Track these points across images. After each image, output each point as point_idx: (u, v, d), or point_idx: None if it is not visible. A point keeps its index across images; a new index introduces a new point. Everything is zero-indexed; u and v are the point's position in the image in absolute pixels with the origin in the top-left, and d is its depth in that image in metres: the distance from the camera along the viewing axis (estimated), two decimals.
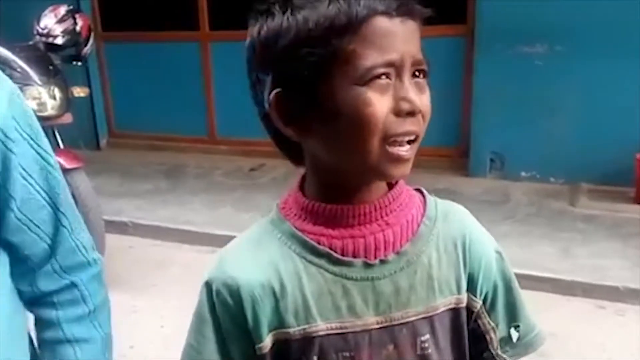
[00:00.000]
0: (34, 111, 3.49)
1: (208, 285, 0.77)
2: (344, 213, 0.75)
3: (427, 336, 0.78)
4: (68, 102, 3.46)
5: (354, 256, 0.75)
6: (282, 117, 0.73)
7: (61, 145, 3.44)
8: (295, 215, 0.78)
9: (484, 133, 4.56)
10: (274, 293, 0.74)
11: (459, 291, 0.79)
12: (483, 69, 4.43)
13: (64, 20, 3.60)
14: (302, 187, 0.80)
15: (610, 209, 3.96)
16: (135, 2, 5.66)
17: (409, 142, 0.72)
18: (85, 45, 3.66)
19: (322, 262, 0.75)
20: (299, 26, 0.69)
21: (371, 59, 0.68)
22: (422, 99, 0.71)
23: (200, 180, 4.93)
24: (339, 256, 0.75)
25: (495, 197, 4.26)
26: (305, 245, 0.75)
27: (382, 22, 0.68)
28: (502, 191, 4.36)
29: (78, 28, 3.61)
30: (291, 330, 0.75)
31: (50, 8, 3.64)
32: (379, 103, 0.68)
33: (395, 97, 0.69)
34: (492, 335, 0.83)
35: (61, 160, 3.22)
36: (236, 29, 5.32)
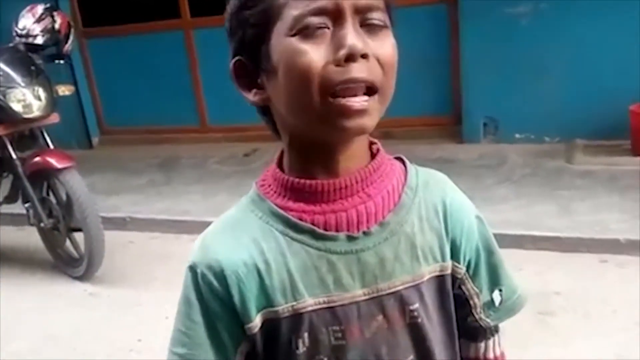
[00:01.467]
0: (20, 113, 3.47)
1: (192, 269, 0.76)
2: (324, 188, 0.74)
3: (417, 305, 0.77)
4: (54, 102, 3.43)
5: (337, 230, 0.74)
6: (242, 84, 0.74)
7: (51, 146, 3.42)
8: (275, 193, 0.77)
9: (476, 98, 4.53)
10: (259, 271, 0.74)
11: (443, 258, 0.79)
12: (469, 34, 4.39)
13: (42, 19, 3.56)
14: (280, 164, 0.78)
15: (606, 162, 3.95)
16: None
17: (365, 94, 0.68)
18: (66, 42, 3.63)
19: (305, 238, 0.74)
20: None
21: (300, 7, 0.66)
22: (374, 45, 0.67)
23: (195, 169, 4.92)
24: (322, 231, 0.74)
25: (491, 161, 4.25)
26: (287, 222, 0.74)
27: None
28: (497, 155, 4.35)
29: (57, 26, 3.57)
30: (279, 308, 0.74)
31: (28, 8, 3.60)
32: (312, 52, 0.66)
33: (333, 45, 0.66)
34: (476, 300, 0.83)
35: (52, 160, 3.21)
36: (218, 14, 5.28)
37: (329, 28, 0.67)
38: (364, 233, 0.75)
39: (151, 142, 5.58)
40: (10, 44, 3.54)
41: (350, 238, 0.74)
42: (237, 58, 0.74)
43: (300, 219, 0.74)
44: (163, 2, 5.43)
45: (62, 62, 3.70)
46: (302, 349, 0.75)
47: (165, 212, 4.12)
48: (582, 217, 3.35)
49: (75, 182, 3.19)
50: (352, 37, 0.66)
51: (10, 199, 3.67)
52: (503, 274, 0.85)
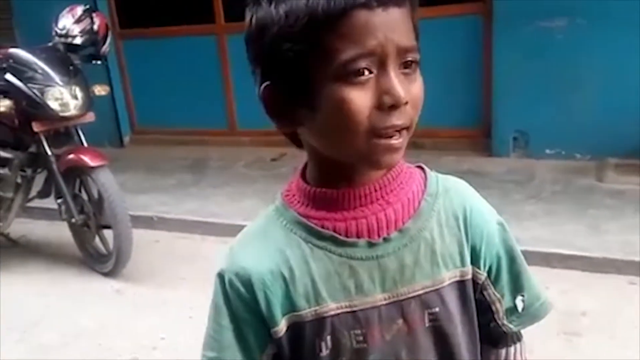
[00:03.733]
0: (57, 111, 3.56)
1: (220, 276, 0.79)
2: (345, 197, 0.76)
3: (437, 309, 0.79)
4: (90, 101, 3.51)
5: (358, 237, 0.76)
6: (271, 110, 0.74)
7: (85, 144, 3.50)
8: (298, 202, 0.79)
9: (506, 112, 4.49)
10: (284, 278, 0.77)
11: (462, 264, 0.80)
12: (502, 47, 4.36)
13: (82, 20, 3.65)
14: (304, 174, 0.81)
15: (638, 182, 3.87)
16: None
17: (398, 131, 0.71)
18: (104, 44, 3.71)
19: (327, 244, 0.77)
20: (281, 21, 0.68)
21: (348, 52, 0.66)
22: (410, 90, 0.70)
23: (223, 172, 4.97)
24: (343, 238, 0.76)
25: (520, 176, 4.20)
26: (310, 230, 0.77)
27: (361, 15, 0.66)
28: (526, 170, 4.30)
29: (95, 27, 3.65)
30: (303, 312, 0.77)
31: (68, 9, 3.69)
32: (359, 100, 0.67)
33: (378, 90, 0.68)
34: (498, 305, 0.84)
35: (86, 158, 3.28)
36: None
37: (372, 72, 0.68)
38: (384, 239, 0.77)
39: (181, 144, 5.66)
40: (50, 43, 3.63)
41: (371, 244, 0.76)
42: (267, 83, 0.73)
43: (322, 227, 0.77)
44: (198, 6, 5.50)
45: (99, 62, 3.78)
46: (325, 352, 0.77)
47: (192, 213, 4.17)
48: (611, 237, 3.29)
49: (107, 181, 3.25)
50: (397, 85, 0.68)
51: (43, 193, 3.75)
52: (526, 280, 0.85)
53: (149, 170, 5.15)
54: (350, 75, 0.67)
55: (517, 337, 0.88)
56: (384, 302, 0.77)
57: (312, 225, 0.77)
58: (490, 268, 0.82)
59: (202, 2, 5.44)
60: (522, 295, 0.84)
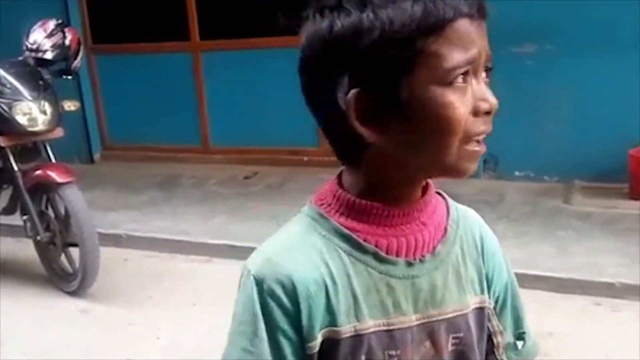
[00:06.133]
0: (25, 126, 3.50)
1: (258, 283, 0.74)
2: (390, 212, 0.76)
3: (462, 333, 0.79)
4: (59, 117, 3.47)
5: (397, 255, 0.76)
6: (360, 117, 0.71)
7: (53, 160, 3.44)
8: (336, 212, 0.77)
9: None
10: (327, 290, 0.74)
11: (482, 291, 0.82)
12: None
13: (53, 35, 3.61)
14: (340, 183, 0.79)
15: (604, 205, 3.97)
16: (125, 14, 5.66)
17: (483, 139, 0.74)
18: (75, 58, 3.67)
19: (368, 259, 0.75)
20: (384, 26, 0.67)
21: (454, 59, 0.68)
22: (493, 97, 0.73)
23: (195, 190, 4.93)
24: (385, 255, 0.76)
25: (490, 197, 4.26)
26: (352, 242, 0.75)
27: (465, 23, 0.69)
28: (496, 191, 4.37)
29: (67, 42, 3.62)
30: (342, 328, 0.74)
31: (39, 23, 3.65)
32: (461, 105, 0.69)
33: (474, 97, 0.71)
34: (499, 338, 0.84)
35: (53, 174, 3.23)
36: (227, 37, 5.37)
37: (468, 78, 0.70)
38: (420, 260, 0.77)
39: (153, 161, 5.60)
40: (20, 57, 3.58)
41: (409, 264, 0.77)
42: (357, 90, 0.70)
43: (365, 240, 0.75)
44: (173, 23, 5.50)
45: (70, 77, 3.74)
46: None
47: (162, 230, 4.12)
48: (578, 258, 3.35)
49: (74, 197, 3.20)
50: (490, 92, 0.72)
51: (8, 210, 3.67)
52: (524, 317, 0.87)
53: (119, 187, 5.08)
54: (453, 81, 0.69)
55: None
56: (416, 323, 0.77)
57: (355, 237, 0.75)
58: (497, 298, 0.84)
59: (177, 19, 5.44)
60: (523, 332, 0.86)
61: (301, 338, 0.74)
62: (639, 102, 4.08)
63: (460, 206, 0.85)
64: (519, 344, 0.85)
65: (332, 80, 0.71)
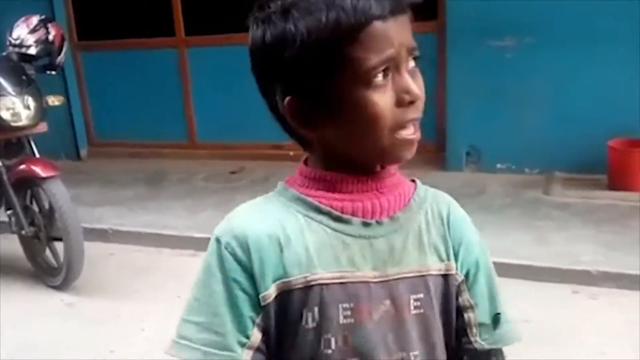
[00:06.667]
0: (8, 121, 3.51)
1: (217, 239, 0.80)
2: (344, 180, 0.81)
3: (422, 295, 0.82)
4: (43, 112, 3.48)
5: (353, 215, 0.81)
6: (297, 121, 0.79)
7: (37, 155, 3.46)
8: (298, 184, 0.84)
9: (459, 128, 4.62)
10: (279, 243, 0.79)
11: (447, 258, 0.85)
12: (455, 65, 4.49)
13: (37, 30, 3.62)
14: (306, 163, 0.86)
15: (583, 196, 4.03)
16: (110, 10, 5.67)
17: (414, 124, 0.78)
18: (59, 54, 3.68)
19: (323, 218, 0.80)
20: (303, 37, 0.72)
21: (372, 61, 0.73)
22: (418, 85, 0.77)
23: (181, 185, 4.95)
24: (339, 214, 0.80)
25: (472, 189, 4.32)
26: (308, 205, 0.81)
27: (378, 26, 0.73)
28: (478, 183, 4.42)
29: (51, 37, 3.63)
30: (293, 278, 0.78)
31: (23, 18, 3.66)
32: (382, 101, 0.74)
33: (396, 89, 0.75)
34: (471, 314, 0.86)
35: (37, 169, 3.24)
36: (212, 33, 5.38)
37: (388, 74, 0.75)
38: (377, 222, 0.81)
39: (139, 157, 5.62)
40: (4, 53, 3.59)
41: (365, 224, 0.81)
42: (290, 97, 0.77)
43: (320, 203, 0.81)
44: (159, 19, 5.51)
45: (54, 73, 3.75)
46: (311, 325, 0.78)
47: (148, 225, 4.14)
48: (556, 247, 3.42)
49: (58, 192, 3.21)
50: (412, 84, 0.76)
51: None
52: (501, 300, 0.89)
53: (105, 183, 5.09)
54: (372, 80, 0.74)
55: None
56: (374, 280, 0.80)
57: (311, 200, 0.81)
58: (467, 273, 0.86)
59: (162, 15, 5.45)
60: (499, 314, 0.87)
61: (255, 289, 0.78)
62: (618, 95, 4.15)
63: (432, 189, 0.89)
64: (494, 324, 0.86)
65: (272, 85, 0.79)
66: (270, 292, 0.78)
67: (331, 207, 0.80)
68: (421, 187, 0.88)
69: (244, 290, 0.78)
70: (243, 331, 0.79)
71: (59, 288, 3.46)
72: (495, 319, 0.87)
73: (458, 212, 0.89)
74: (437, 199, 0.88)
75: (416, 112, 0.78)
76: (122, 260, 3.88)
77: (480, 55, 4.41)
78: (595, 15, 4.10)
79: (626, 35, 4.07)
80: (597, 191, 4.05)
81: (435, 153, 4.85)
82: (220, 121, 5.43)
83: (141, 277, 3.60)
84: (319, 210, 0.80)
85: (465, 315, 0.86)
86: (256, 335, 0.79)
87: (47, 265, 3.58)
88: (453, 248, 0.85)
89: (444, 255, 0.84)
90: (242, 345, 0.79)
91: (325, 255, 0.79)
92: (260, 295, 0.78)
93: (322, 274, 0.78)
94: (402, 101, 0.76)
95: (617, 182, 4.04)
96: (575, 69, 4.24)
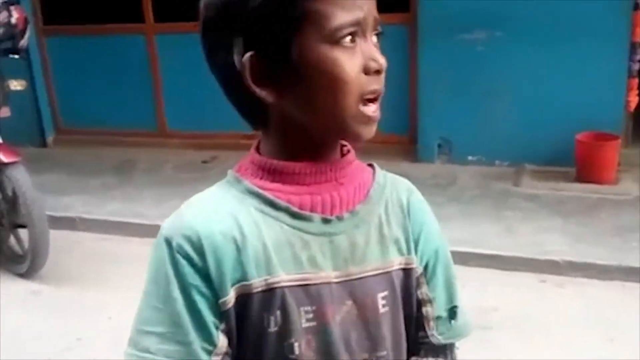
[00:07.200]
0: None
1: (167, 242, 0.73)
2: (301, 170, 0.77)
3: (386, 292, 0.79)
4: (5, 96, 3.40)
5: (311, 211, 0.77)
6: (255, 79, 0.73)
7: (0, 141, 3.36)
8: (251, 175, 0.78)
9: (431, 120, 4.65)
10: (235, 242, 0.73)
11: (408, 252, 0.82)
12: (427, 57, 4.51)
13: None
14: (258, 149, 0.80)
15: (552, 187, 4.10)
16: None
17: (376, 99, 0.75)
18: (22, 37, 3.58)
19: (280, 215, 0.76)
20: None
21: (338, 18, 0.70)
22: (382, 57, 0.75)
23: (151, 174, 4.87)
24: (297, 210, 0.76)
25: (443, 181, 4.35)
26: (263, 200, 0.76)
27: None
28: (449, 175, 4.46)
29: (13, 20, 3.53)
30: (253, 281, 0.73)
31: None
32: (349, 62, 0.71)
33: (364, 56, 0.72)
34: (429, 308, 0.84)
35: None
36: (181, 20, 5.29)
37: (356, 39, 0.72)
38: (337, 218, 0.77)
39: (108, 145, 5.51)
40: None
41: (325, 220, 0.77)
42: (251, 52, 0.72)
43: (277, 198, 0.76)
44: (127, 5, 5.40)
45: (16, 56, 3.64)
46: (273, 328, 0.74)
47: (116, 214, 4.08)
48: (524, 237, 3.47)
49: (21, 178, 3.14)
50: (378, 53, 0.74)
51: None
52: (457, 294, 0.87)
53: (73, 171, 4.98)
54: (340, 40, 0.71)
55: (445, 354, 0.87)
56: (336, 280, 0.77)
57: (266, 194, 0.76)
58: (427, 264, 0.84)
59: (131, 1, 5.35)
60: (455, 307, 0.86)
61: (215, 293, 0.73)
62: (586, 89, 4.22)
63: (391, 174, 0.86)
64: (451, 317, 0.85)
65: (228, 43, 0.73)
66: (230, 297, 0.73)
67: (289, 202, 0.76)
68: (379, 173, 0.84)
69: (203, 295, 0.73)
70: (208, 338, 0.73)
71: (24, 276, 3.38)
72: (452, 312, 0.85)
73: (418, 199, 0.86)
74: (396, 185, 0.85)
75: (380, 84, 0.75)
76: (90, 249, 3.81)
77: (451, 48, 4.43)
78: (564, 10, 4.15)
79: (595, 30, 4.14)
80: (565, 183, 4.13)
81: (407, 145, 4.87)
82: (191, 110, 5.35)
83: (108, 266, 3.54)
84: (276, 206, 0.76)
85: (424, 309, 0.84)
86: (222, 341, 0.74)
87: (11, 253, 3.49)
88: (413, 236, 0.83)
89: (404, 248, 0.82)
90: (209, 352, 0.74)
91: (284, 255, 0.75)
92: (220, 301, 0.73)
93: (283, 276, 0.74)
94: (369, 68, 0.73)
95: (584, 174, 4.11)
96: (545, 63, 4.29)
